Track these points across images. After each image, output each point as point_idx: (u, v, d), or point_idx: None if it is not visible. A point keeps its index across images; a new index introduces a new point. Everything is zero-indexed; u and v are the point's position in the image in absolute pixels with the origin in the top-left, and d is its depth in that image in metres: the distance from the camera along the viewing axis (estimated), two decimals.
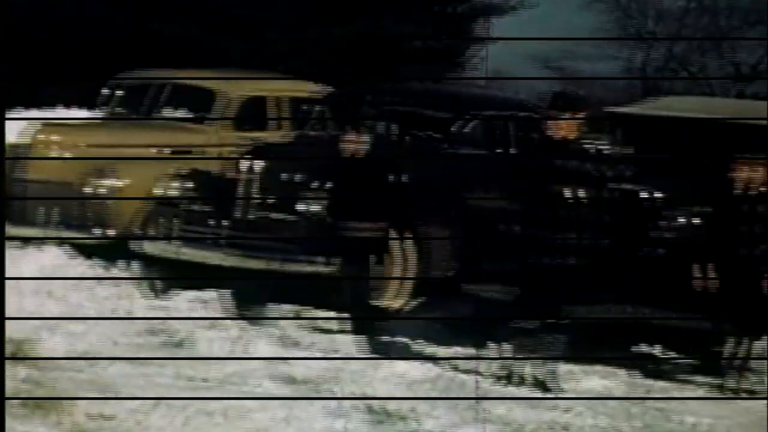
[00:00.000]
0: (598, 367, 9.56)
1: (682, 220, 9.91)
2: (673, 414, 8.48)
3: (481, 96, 14.72)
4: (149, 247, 11.63)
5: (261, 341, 9.71)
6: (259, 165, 11.31)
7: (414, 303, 11.04)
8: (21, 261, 11.24)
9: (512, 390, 8.81)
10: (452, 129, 12.20)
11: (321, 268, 10.64)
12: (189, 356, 9.17)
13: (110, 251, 12.05)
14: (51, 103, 15.64)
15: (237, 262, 10.82)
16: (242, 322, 10.26)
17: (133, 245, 11.80)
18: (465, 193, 11.68)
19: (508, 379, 9.01)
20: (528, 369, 8.98)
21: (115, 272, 11.77)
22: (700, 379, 9.52)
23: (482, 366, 9.43)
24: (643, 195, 10.00)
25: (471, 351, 9.89)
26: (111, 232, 12.17)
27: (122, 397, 7.67)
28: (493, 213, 11.14)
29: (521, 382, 8.94)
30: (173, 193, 11.70)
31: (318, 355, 9.45)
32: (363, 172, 10.33)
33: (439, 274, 11.25)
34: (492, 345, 9.62)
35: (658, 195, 9.96)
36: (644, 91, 48.04)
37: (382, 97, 12.77)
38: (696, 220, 9.84)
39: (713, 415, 8.50)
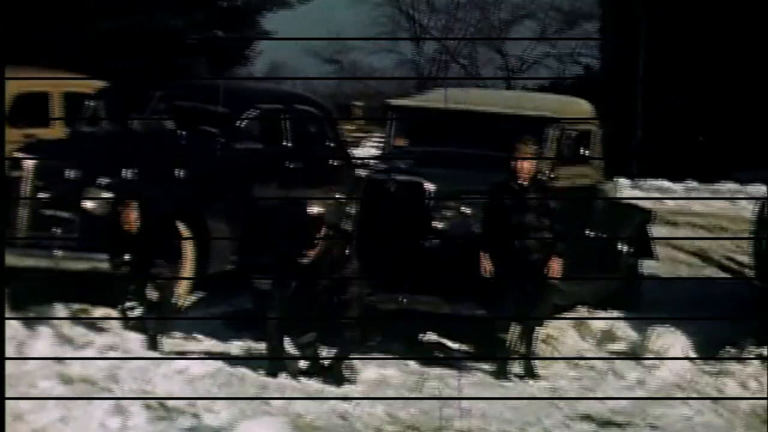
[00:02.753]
0: (377, 356, 9.70)
1: (459, 211, 10.09)
2: (449, 401, 8.68)
3: (259, 90, 14.76)
4: None
5: (39, 341, 9.50)
6: (33, 162, 11.07)
7: (195, 298, 11.01)
8: None
9: (302, 382, 8.88)
10: (230, 123, 12.18)
11: (100, 265, 10.49)
12: None
13: None
14: None
15: (16, 261, 10.55)
16: (22, 320, 10.03)
17: None
18: (243, 187, 11.72)
19: (295, 371, 9.07)
20: (319, 360, 9.08)
21: None
22: (479, 364, 9.73)
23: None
24: (420, 186, 10.13)
25: (252, 345, 9.94)
26: None
27: None
28: (272, 206, 11.21)
29: (310, 373, 9.00)
30: None
31: (98, 354, 9.30)
32: (146, 167, 10.25)
33: (220, 269, 11.25)
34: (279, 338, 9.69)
35: (434, 186, 10.11)
36: (420, 83, 48.78)
37: (159, 92, 12.65)
38: (473, 211, 10.03)
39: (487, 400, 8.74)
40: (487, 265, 9.42)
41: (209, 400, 8.13)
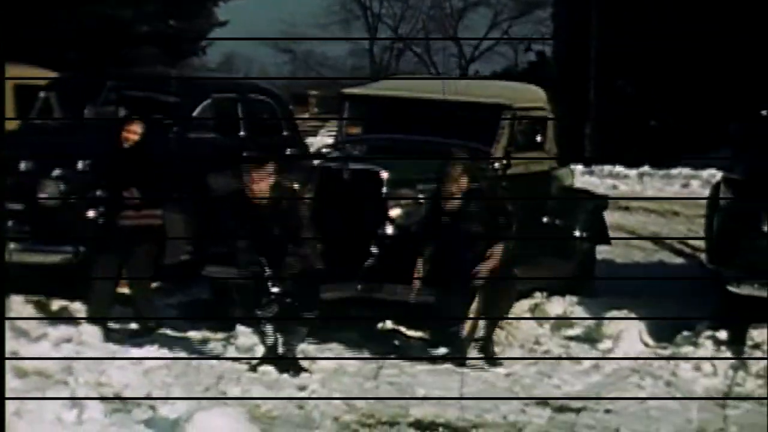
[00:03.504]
0: (333, 345, 9.70)
1: (413, 198, 10.09)
2: (406, 387, 8.71)
3: (212, 80, 14.71)
4: None
5: None
6: None
7: (153, 287, 10.94)
8: None
9: (259, 372, 8.87)
10: (183, 113, 12.14)
11: (54, 258, 10.46)
12: None
13: None
14: None
15: None
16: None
17: None
18: (197, 177, 11.67)
19: (253, 361, 9.07)
20: (277, 350, 9.07)
21: None
22: (432, 351, 9.75)
23: (225, 349, 9.48)
24: (374, 174, 10.13)
25: (208, 334, 9.93)
26: None
27: None
28: (226, 196, 11.15)
29: (268, 363, 8.99)
30: None
31: (52, 346, 9.25)
32: (98, 158, 10.19)
33: (176, 259, 11.20)
34: (236, 327, 9.69)
35: (388, 174, 10.11)
36: (373, 71, 48.77)
37: (111, 82, 12.58)
38: (422, 199, 10.04)
39: (444, 386, 8.76)
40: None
41: (164, 392, 8.11)
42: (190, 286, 11.01)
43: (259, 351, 9.22)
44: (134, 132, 10.10)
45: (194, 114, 12.20)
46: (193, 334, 9.97)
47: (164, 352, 9.27)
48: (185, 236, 11.14)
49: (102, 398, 7.76)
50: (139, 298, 10.14)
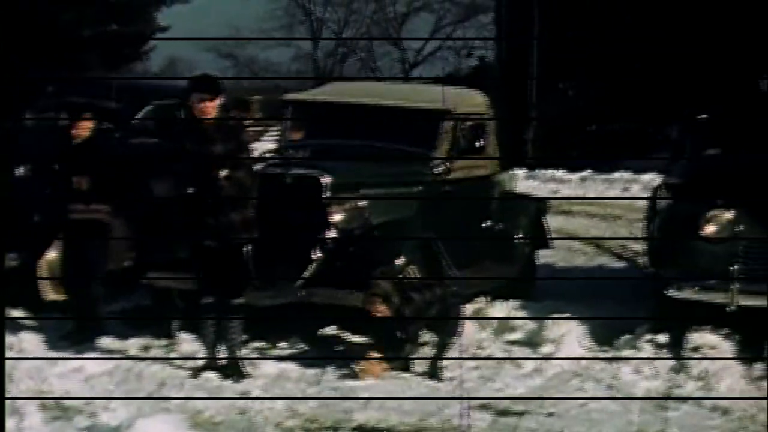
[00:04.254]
0: (275, 351, 9.69)
1: (355, 204, 10.09)
2: (348, 392, 8.72)
3: (153, 85, 14.66)
4: None
5: None
6: None
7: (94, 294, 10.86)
8: None
9: (201, 378, 8.84)
10: (124, 119, 12.10)
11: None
12: None
13: None
14: None
15: None
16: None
17: None
18: (139, 183, 11.62)
19: (195, 367, 9.04)
20: (220, 355, 9.05)
21: None
22: (376, 356, 9.76)
23: (168, 355, 9.46)
24: (316, 180, 10.13)
25: (150, 342, 9.88)
26: None
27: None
28: (168, 202, 11.10)
29: (211, 369, 8.97)
30: None
31: None
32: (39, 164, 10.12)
33: (119, 265, 11.13)
34: (176, 334, 9.66)
35: (330, 179, 10.11)
36: (316, 76, 48.72)
37: (51, 87, 12.52)
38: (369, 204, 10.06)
39: (387, 391, 8.78)
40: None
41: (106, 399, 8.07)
42: (132, 293, 10.95)
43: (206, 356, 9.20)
44: (85, 128, 10.06)
45: (136, 119, 12.15)
46: (136, 341, 9.91)
47: (104, 360, 9.20)
48: (127, 242, 11.07)
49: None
50: (85, 300, 10.07)
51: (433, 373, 9.24)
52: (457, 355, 9.48)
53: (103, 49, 28.52)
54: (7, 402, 7.57)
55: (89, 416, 7.67)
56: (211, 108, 8.90)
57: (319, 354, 9.72)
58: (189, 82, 9.18)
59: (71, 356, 9.17)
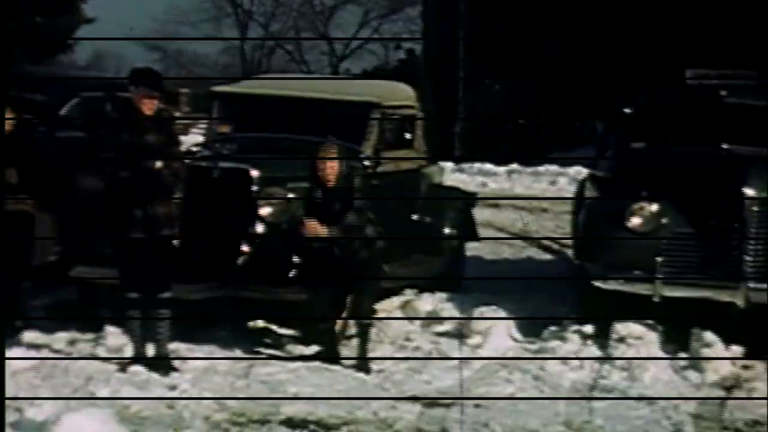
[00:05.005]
0: (205, 346, 9.65)
1: (283, 197, 10.08)
2: (277, 385, 8.72)
3: (80, 78, 14.55)
4: None
5: None
6: None
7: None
8: None
9: (128, 372, 8.80)
10: (50, 112, 12.00)
11: None
12: None
13: None
14: None
15: None
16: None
17: None
18: (65, 176, 11.52)
19: (123, 361, 9.00)
20: (147, 350, 9.01)
21: None
22: (300, 349, 9.78)
23: (94, 350, 9.40)
24: (244, 173, 10.11)
25: (78, 335, 9.82)
26: None
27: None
28: (94, 195, 11.02)
29: (138, 362, 8.93)
30: None
31: None
32: None
33: (44, 259, 11.04)
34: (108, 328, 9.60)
35: (258, 173, 10.09)
36: (244, 69, 48.59)
37: None
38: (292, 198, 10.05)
39: (315, 384, 8.79)
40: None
41: (31, 394, 8.00)
42: (57, 287, 10.85)
43: (129, 351, 9.16)
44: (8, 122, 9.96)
45: (61, 112, 12.05)
46: (62, 335, 9.84)
47: (31, 355, 9.13)
48: (53, 236, 10.98)
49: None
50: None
51: (362, 366, 9.27)
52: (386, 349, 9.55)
53: (27, 43, 28.21)
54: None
55: (15, 411, 7.60)
56: (151, 103, 8.89)
57: (248, 348, 9.70)
58: (131, 75, 9.14)
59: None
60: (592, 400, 8.60)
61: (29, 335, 9.77)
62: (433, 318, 10.67)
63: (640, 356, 9.31)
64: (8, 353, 9.00)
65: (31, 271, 10.36)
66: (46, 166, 11.27)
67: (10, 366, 8.74)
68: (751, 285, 9.47)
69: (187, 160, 9.80)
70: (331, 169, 9.41)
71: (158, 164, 8.79)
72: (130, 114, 8.97)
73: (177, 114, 9.99)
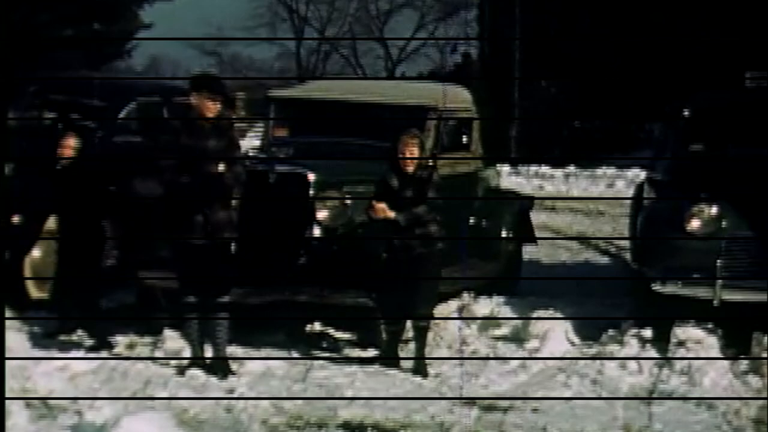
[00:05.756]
0: (263, 350, 9.67)
1: (341, 201, 10.07)
2: (334, 389, 8.72)
3: (137, 83, 14.63)
4: None
5: None
6: None
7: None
8: None
9: (186, 376, 8.83)
10: (109, 116, 12.07)
11: None
12: None
13: None
14: None
15: None
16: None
17: None
18: (123, 181, 11.58)
19: (182, 364, 9.03)
20: (209, 353, 9.04)
21: None
22: (358, 352, 9.77)
23: (153, 353, 9.44)
24: (301, 177, 10.11)
25: (136, 339, 9.87)
26: None
27: None
28: (156, 199, 11.07)
29: (198, 366, 8.96)
30: None
31: None
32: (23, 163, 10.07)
33: (104, 263, 11.09)
34: (166, 331, 9.65)
35: (315, 177, 10.09)
36: (300, 73, 48.71)
37: (34, 86, 12.49)
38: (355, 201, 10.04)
39: (373, 388, 8.76)
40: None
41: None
42: (117, 291, 10.92)
43: (187, 355, 9.20)
44: (69, 146, 10.00)
45: (119, 118, 12.12)
46: (120, 339, 9.90)
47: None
48: (113, 241, 11.04)
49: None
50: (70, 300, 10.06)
51: (419, 369, 9.24)
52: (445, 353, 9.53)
53: (84, 48, 28.43)
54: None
55: (75, 414, 7.65)
56: (214, 107, 8.92)
57: (306, 351, 9.72)
58: (192, 81, 9.18)
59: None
60: (651, 400, 8.55)
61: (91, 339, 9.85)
62: (490, 318, 10.64)
63: (700, 359, 9.23)
64: (70, 354, 9.12)
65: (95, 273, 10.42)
66: (105, 170, 11.35)
67: (69, 369, 8.84)
68: None
69: (244, 165, 9.81)
70: (411, 155, 9.37)
71: (220, 168, 8.81)
72: (191, 118, 8.99)
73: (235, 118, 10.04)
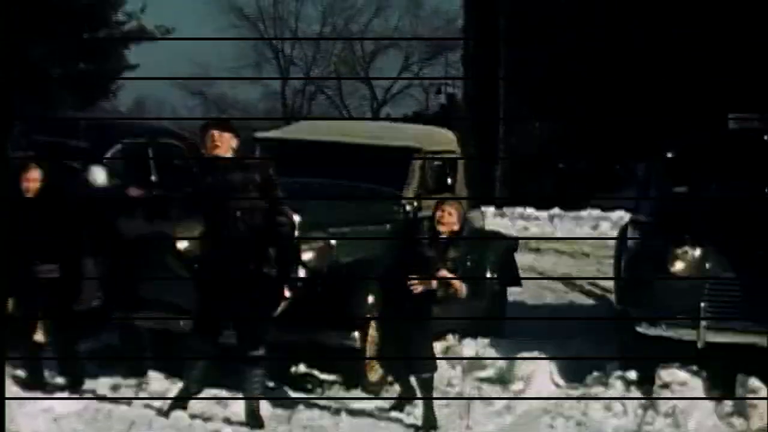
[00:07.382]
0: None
1: (326, 242, 10.08)
2: (319, 430, 8.68)
3: (122, 124, 14.62)
4: None
5: None
6: None
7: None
8: None
9: (171, 417, 8.79)
10: (93, 158, 12.07)
11: None
12: None
13: None
14: None
15: None
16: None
17: None
18: (108, 222, 11.56)
19: (165, 407, 9.01)
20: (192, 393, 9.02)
21: None
22: (342, 393, 9.76)
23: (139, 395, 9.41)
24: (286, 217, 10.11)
25: (121, 380, 9.83)
26: None
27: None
28: (138, 241, 11.07)
29: (179, 408, 8.93)
30: None
31: None
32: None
33: (87, 305, 11.05)
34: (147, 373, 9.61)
35: (300, 218, 10.10)
36: (284, 114, 48.81)
37: (19, 126, 12.48)
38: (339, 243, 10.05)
39: (354, 427, 8.73)
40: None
41: None
42: (101, 332, 10.88)
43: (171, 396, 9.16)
44: (34, 179, 9.71)
45: (104, 158, 12.12)
46: (105, 381, 9.85)
47: (72, 400, 9.15)
48: (96, 282, 11.00)
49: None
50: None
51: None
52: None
53: (70, 88, 28.45)
54: None
55: None
56: (227, 146, 8.91)
57: (291, 393, 9.69)
58: (207, 122, 9.20)
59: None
60: None
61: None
62: (475, 358, 10.64)
63: (684, 399, 9.25)
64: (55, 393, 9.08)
65: (81, 316, 10.37)
66: (88, 211, 11.33)
67: (53, 410, 8.80)
68: None
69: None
70: (450, 218, 9.32)
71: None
72: (199, 157, 9.01)
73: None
